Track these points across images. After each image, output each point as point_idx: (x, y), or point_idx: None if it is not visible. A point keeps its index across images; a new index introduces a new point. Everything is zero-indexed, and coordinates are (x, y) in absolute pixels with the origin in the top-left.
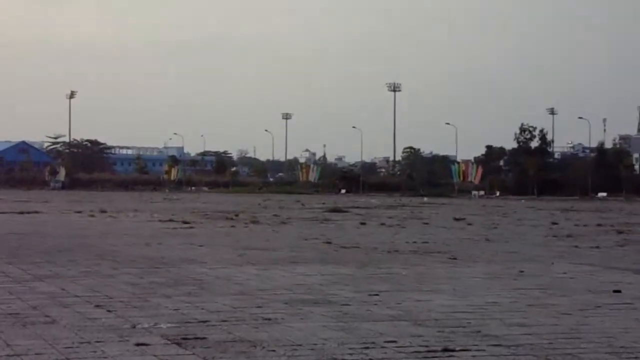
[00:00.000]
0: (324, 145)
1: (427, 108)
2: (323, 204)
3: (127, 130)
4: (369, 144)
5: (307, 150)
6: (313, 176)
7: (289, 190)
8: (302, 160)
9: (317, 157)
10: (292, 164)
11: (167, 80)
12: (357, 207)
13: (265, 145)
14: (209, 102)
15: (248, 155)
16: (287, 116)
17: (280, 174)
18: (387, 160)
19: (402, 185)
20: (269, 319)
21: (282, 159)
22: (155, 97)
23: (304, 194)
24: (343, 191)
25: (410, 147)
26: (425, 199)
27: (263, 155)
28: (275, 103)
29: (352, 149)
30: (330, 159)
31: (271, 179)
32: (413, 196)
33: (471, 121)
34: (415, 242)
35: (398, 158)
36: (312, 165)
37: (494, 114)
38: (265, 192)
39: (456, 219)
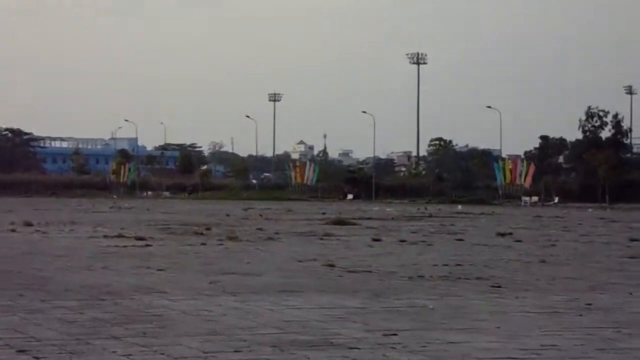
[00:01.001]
0: (324, 136)
1: (461, 87)
2: (323, 213)
3: (61, 116)
4: (384, 134)
5: (301, 142)
6: (310, 177)
7: (278, 195)
8: (295, 156)
9: (316, 151)
10: (283, 161)
11: (116, 49)
12: (369, 219)
13: (247, 137)
14: (172, 79)
15: (223, 149)
16: (275, 97)
17: (267, 174)
18: (408, 155)
19: (429, 189)
20: None
21: (269, 154)
22: (99, 71)
23: (298, 201)
24: (350, 197)
25: (440, 139)
26: (460, 207)
27: (243, 150)
28: (259, 80)
29: (361, 141)
30: (333, 154)
31: (254, 181)
32: (443, 203)
33: (520, 104)
34: (446, 264)
35: (423, 153)
36: (308, 163)
37: (550, 94)
38: (246, 198)
39: (501, 234)
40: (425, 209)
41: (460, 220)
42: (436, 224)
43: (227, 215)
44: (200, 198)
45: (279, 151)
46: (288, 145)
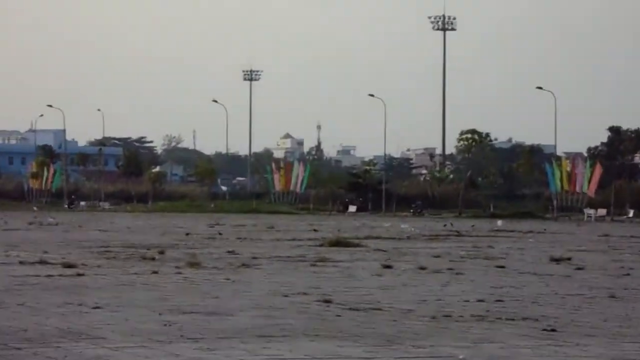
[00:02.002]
0: (318, 128)
1: (501, 63)
2: (315, 230)
3: None
4: (397, 125)
5: (287, 136)
6: (299, 182)
7: (256, 207)
8: (279, 155)
9: (306, 148)
10: (262, 162)
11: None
12: (377, 238)
13: (214, 129)
14: (113, 55)
15: (182, 145)
16: (251, 75)
17: (241, 178)
18: (430, 154)
19: (458, 198)
20: None
21: (244, 152)
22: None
23: (283, 214)
24: (352, 209)
25: (473, 132)
26: (500, 222)
27: (209, 147)
28: (230, 52)
29: (367, 134)
30: (330, 151)
31: (224, 188)
32: (477, 217)
33: (581, 87)
34: (481, 300)
35: (450, 150)
36: (296, 163)
37: (623, 73)
38: (214, 210)
39: (556, 260)
40: (452, 225)
41: (501, 241)
42: (468, 245)
43: (188, 233)
44: (151, 210)
45: (258, 148)
46: (269, 139)
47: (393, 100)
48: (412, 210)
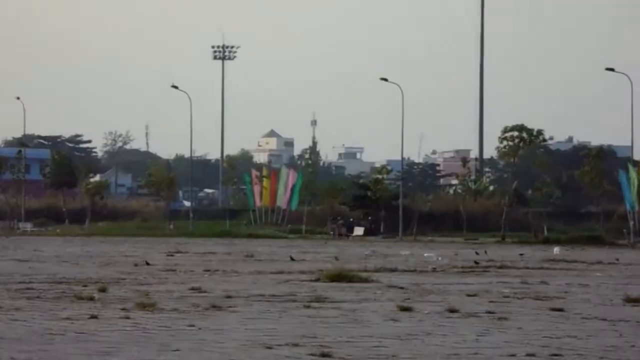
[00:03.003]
0: (313, 124)
1: (552, 38)
2: (306, 260)
3: None
4: (419, 120)
5: (272, 133)
6: (287, 196)
7: (231, 229)
8: (261, 158)
9: (297, 150)
10: (239, 168)
11: None
12: (393, 271)
13: (173, 124)
14: (35, 26)
15: (131, 146)
16: (223, 52)
17: (210, 190)
18: (463, 159)
19: (501, 216)
20: None
21: (214, 155)
22: None
23: (266, 239)
24: (358, 231)
25: (521, 128)
26: (557, 249)
27: (167, 148)
28: (196, 21)
29: (378, 132)
30: (330, 154)
31: (187, 204)
32: (526, 243)
33: None
34: (532, 354)
35: (490, 153)
36: (284, 170)
37: None
38: (174, 233)
39: (632, 301)
40: (486, 253)
41: (558, 275)
42: (514, 281)
43: (137, 265)
44: (89, 233)
45: (233, 149)
46: (249, 139)
47: (412, 87)
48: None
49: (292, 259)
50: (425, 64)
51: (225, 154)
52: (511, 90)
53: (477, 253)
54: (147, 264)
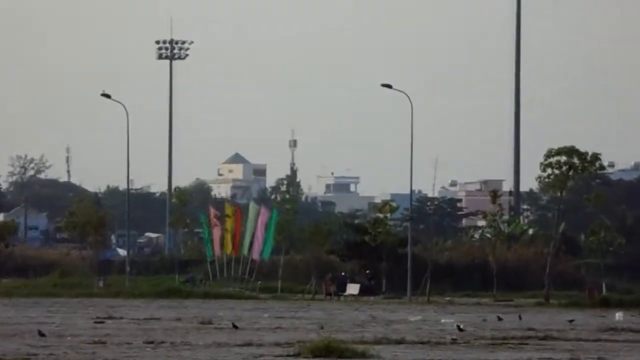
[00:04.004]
0: (292, 144)
1: (603, 44)
2: (282, 328)
3: None
4: (433, 141)
5: (237, 158)
6: (258, 242)
7: (180, 288)
8: (221, 191)
9: (271, 179)
10: (190, 203)
11: None
12: (399, 344)
13: (103, 145)
14: None
15: (45, 176)
16: (171, 49)
17: (153, 235)
18: (493, 192)
19: (544, 268)
20: None
21: (159, 188)
22: None
23: (229, 299)
24: (353, 289)
25: (570, 151)
26: (620, 315)
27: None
28: (135, 12)
29: (379, 157)
30: (315, 186)
31: (122, 252)
32: (578, 305)
33: None
34: None
35: (529, 185)
36: (253, 207)
37: None
38: (104, 292)
39: None
40: (520, 318)
41: (621, 350)
42: (561, 357)
43: (43, 334)
44: None
45: (184, 179)
46: (206, 165)
47: (424, 98)
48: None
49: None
50: (440, 70)
51: (173, 185)
52: (558, 103)
53: (499, 318)
54: (41, 334)
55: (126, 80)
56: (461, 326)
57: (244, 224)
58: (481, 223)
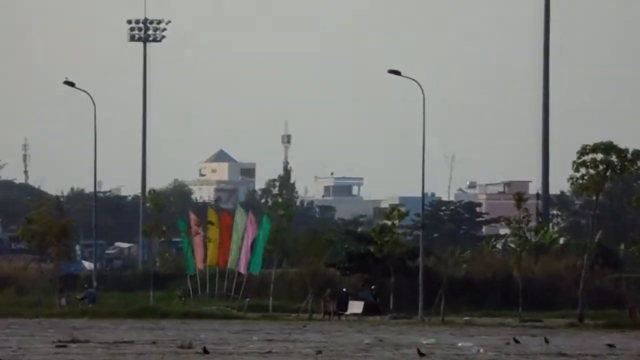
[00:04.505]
0: (285, 140)
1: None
2: (271, 353)
3: None
4: (448, 136)
5: (222, 156)
6: (245, 253)
7: (155, 306)
8: (203, 195)
9: (261, 181)
10: (165, 208)
11: None
12: None
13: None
14: None
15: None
16: (144, 30)
17: (124, 245)
18: (518, 195)
19: (576, 282)
20: None
21: (131, 191)
22: None
23: (213, 319)
24: (355, 308)
25: (608, 147)
26: None
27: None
28: None
29: (385, 154)
30: (312, 188)
31: (88, 265)
32: (618, 327)
33: None
34: None
35: (560, 187)
36: (240, 213)
37: None
38: (69, 310)
39: None
40: (547, 341)
41: None
42: None
43: None
44: None
45: (161, 181)
46: (186, 164)
47: (438, 87)
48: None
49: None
50: (454, 55)
51: (148, 188)
52: (592, 92)
53: (516, 341)
54: None
55: (93, 66)
56: (481, 350)
57: (230, 233)
58: (504, 231)
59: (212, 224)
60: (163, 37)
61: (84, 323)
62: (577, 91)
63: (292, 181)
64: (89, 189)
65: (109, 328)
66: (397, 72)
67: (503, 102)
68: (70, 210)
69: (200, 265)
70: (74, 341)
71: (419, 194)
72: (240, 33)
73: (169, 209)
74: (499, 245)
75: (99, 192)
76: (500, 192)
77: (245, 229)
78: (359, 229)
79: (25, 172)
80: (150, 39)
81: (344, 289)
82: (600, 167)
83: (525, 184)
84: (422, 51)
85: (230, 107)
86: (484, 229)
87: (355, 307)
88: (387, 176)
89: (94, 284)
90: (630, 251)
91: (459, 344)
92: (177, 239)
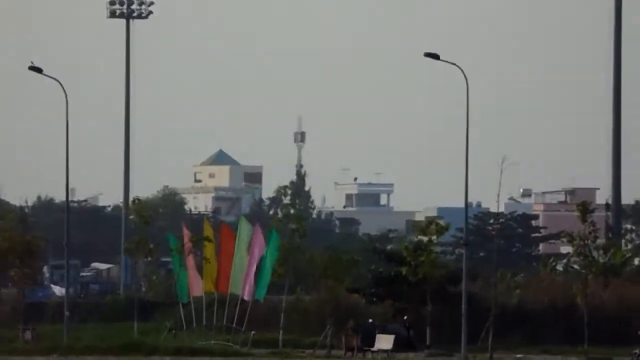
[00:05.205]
0: (299, 138)
1: None
2: None
3: None
4: (496, 134)
5: (221, 156)
6: (248, 274)
7: (141, 341)
8: (199, 204)
9: (269, 188)
10: (152, 221)
11: None
12: None
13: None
14: None
15: None
16: (127, 5)
17: (103, 266)
18: (582, 204)
19: None
20: None
21: (111, 200)
22: None
23: (211, 356)
24: (383, 343)
25: None
26: None
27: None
28: None
29: (420, 156)
30: (330, 196)
31: (58, 291)
32: None
33: None
34: None
35: (634, 195)
36: (244, 227)
37: None
38: (34, 345)
39: None
40: None
41: None
42: None
43: None
44: None
45: (147, 189)
46: (178, 167)
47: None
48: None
49: None
50: (505, 39)
51: (131, 196)
52: None
53: None
54: None
55: (65, 48)
56: None
57: (234, 251)
58: (566, 249)
59: (209, 240)
60: (150, 12)
61: None
62: None
63: (307, 188)
64: (59, 197)
65: None
66: (435, 56)
67: (565, 95)
68: (37, 224)
69: (195, 291)
70: None
71: (461, 204)
72: (243, 9)
73: (157, 222)
74: (559, 267)
75: (72, 201)
76: (561, 202)
77: (251, 247)
78: (389, 247)
79: None
80: (135, 14)
81: (370, 320)
82: None
83: (592, 192)
84: (464, 35)
85: (231, 98)
86: (542, 247)
87: (384, 341)
88: (422, 182)
89: (66, 313)
90: None
91: None
92: (167, 259)
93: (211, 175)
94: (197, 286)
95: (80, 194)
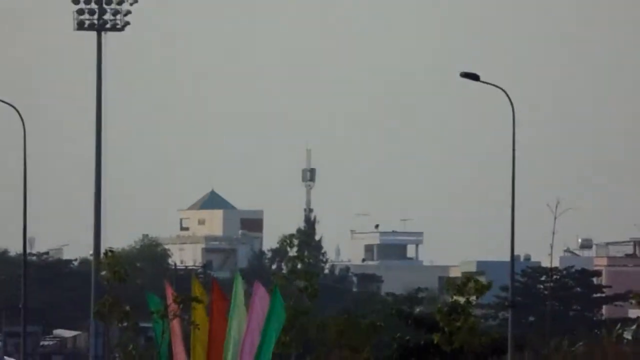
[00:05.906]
0: (307, 175)
1: None
2: None
3: None
4: (550, 170)
5: (213, 198)
6: (247, 340)
7: None
8: (186, 257)
9: (272, 238)
10: (128, 278)
11: None
12: None
13: None
14: None
15: None
16: (98, 16)
17: (68, 333)
18: None
19: None
20: None
21: (78, 252)
22: None
23: None
24: None
25: None
26: None
27: None
28: None
29: (454, 198)
30: (345, 246)
31: None
32: None
33: None
34: None
35: None
36: (240, 284)
37: None
38: None
39: None
40: None
41: None
42: None
43: None
44: None
45: (121, 237)
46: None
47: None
48: None
49: None
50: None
51: (103, 248)
52: None
53: None
54: None
55: (22, 66)
56: None
57: (226, 314)
58: (635, 313)
59: (199, 301)
60: (126, 24)
61: None
62: None
63: (317, 237)
64: (15, 249)
65: None
66: (474, 76)
67: (630, 123)
68: None
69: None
70: None
71: (506, 257)
72: (239, 21)
73: (134, 279)
74: (627, 335)
75: (31, 254)
76: (628, 255)
77: (250, 309)
78: (418, 309)
79: None
80: (108, 26)
81: None
82: None
83: None
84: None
85: (225, 129)
86: (605, 310)
87: None
88: (458, 231)
89: None
90: None
91: None
92: (147, 324)
93: (201, 222)
94: (183, 358)
95: (40, 246)
